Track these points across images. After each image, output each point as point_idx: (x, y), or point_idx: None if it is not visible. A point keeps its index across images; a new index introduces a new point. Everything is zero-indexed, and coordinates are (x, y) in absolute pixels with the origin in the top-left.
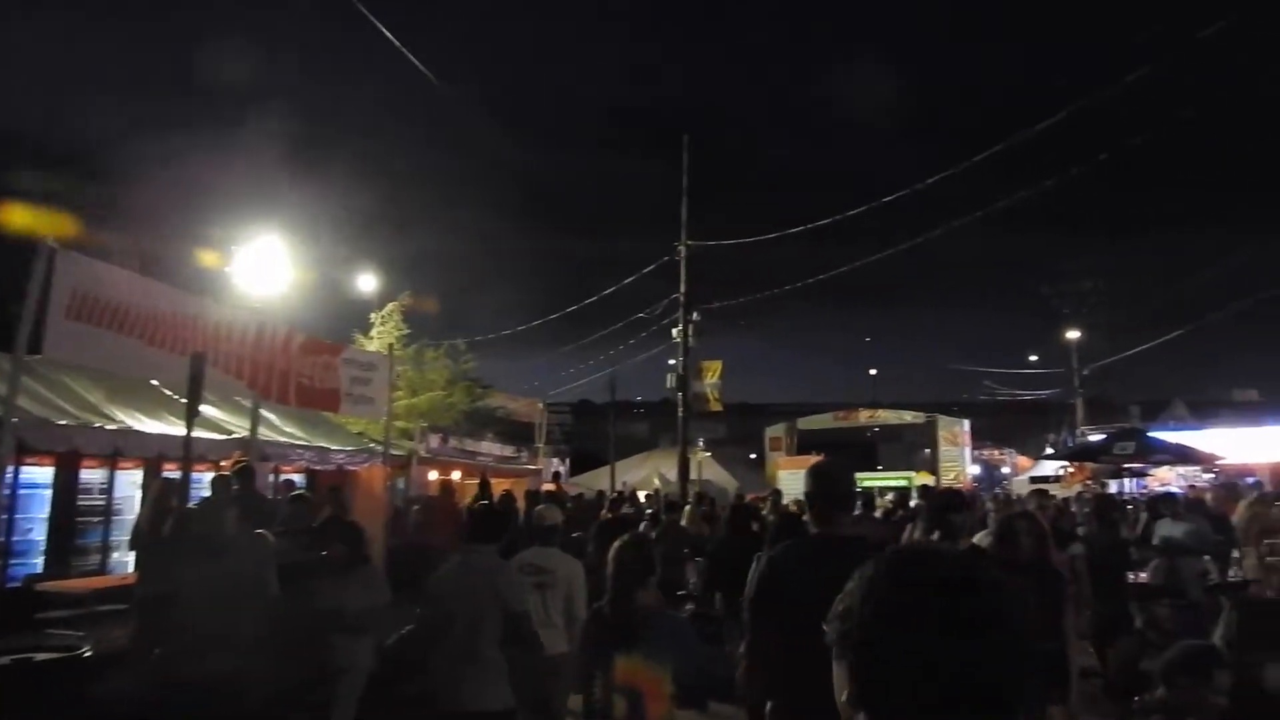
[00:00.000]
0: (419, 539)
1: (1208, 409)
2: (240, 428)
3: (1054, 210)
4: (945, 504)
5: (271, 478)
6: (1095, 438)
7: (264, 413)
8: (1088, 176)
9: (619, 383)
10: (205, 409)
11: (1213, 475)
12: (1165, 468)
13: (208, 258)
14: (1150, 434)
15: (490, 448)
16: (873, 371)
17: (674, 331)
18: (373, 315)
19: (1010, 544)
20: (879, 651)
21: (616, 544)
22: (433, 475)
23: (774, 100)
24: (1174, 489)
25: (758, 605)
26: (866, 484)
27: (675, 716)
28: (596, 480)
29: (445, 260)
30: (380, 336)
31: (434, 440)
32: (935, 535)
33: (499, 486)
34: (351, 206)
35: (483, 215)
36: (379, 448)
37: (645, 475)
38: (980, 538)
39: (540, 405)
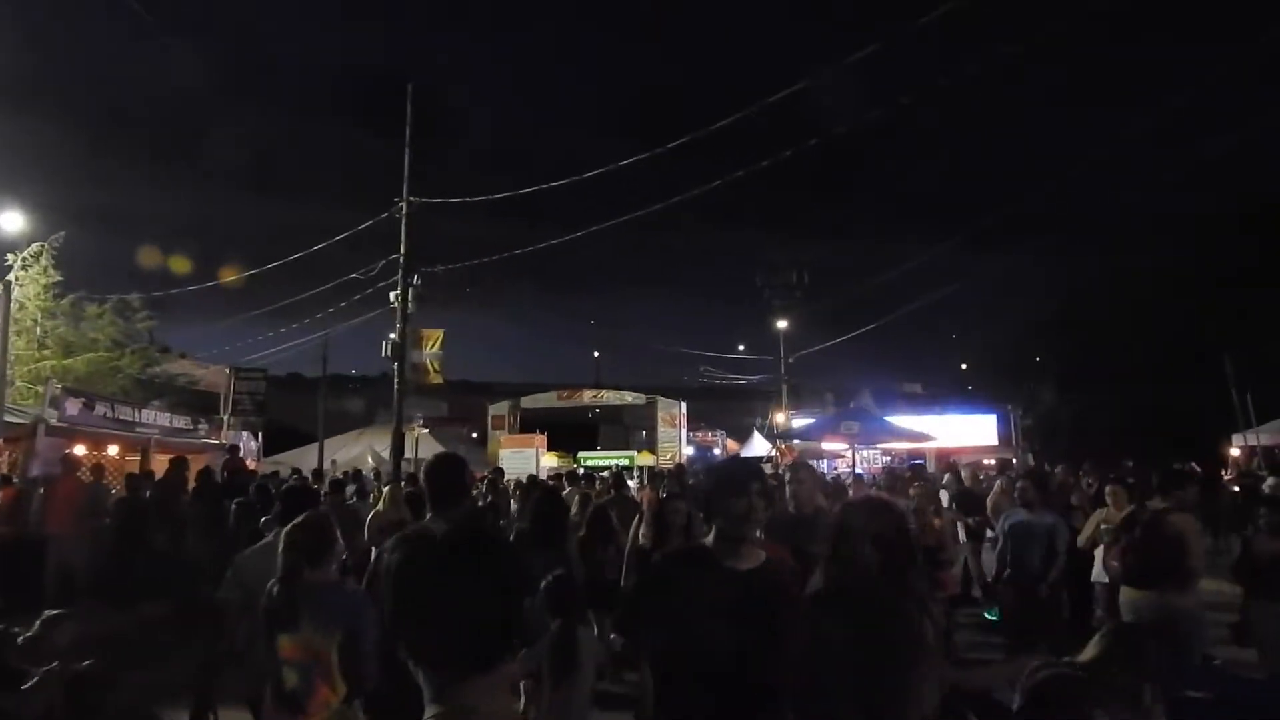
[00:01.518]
0: (36, 528)
1: (886, 398)
2: None
3: (767, 206)
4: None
5: None
6: (801, 423)
7: None
8: (794, 175)
9: (334, 356)
10: None
11: (889, 458)
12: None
13: None
14: (883, 416)
15: (156, 417)
16: (596, 354)
17: (392, 295)
18: (10, 256)
19: (847, 558)
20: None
21: (290, 525)
22: (81, 450)
23: (508, 77)
24: (860, 470)
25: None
26: (591, 463)
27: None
28: (301, 459)
29: (131, 212)
30: (22, 284)
31: (72, 406)
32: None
33: (168, 464)
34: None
35: (185, 169)
36: None
37: (359, 453)
38: None
39: (228, 370)
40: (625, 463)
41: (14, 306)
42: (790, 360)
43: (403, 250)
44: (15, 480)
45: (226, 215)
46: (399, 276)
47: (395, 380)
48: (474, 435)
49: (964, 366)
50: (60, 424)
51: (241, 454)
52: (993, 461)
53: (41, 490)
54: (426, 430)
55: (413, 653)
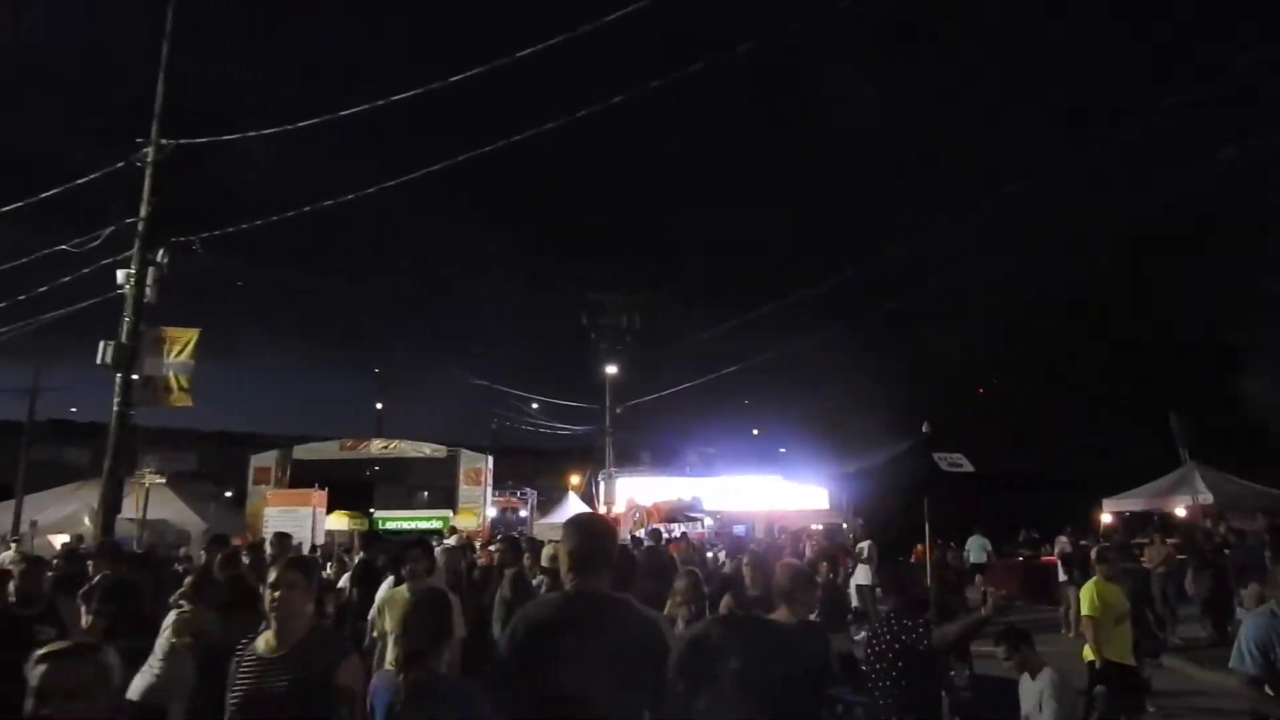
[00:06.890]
0: None
1: (709, 459)
2: None
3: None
4: None
5: None
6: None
7: None
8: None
9: (55, 399)
10: None
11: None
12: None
13: None
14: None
15: None
16: (379, 405)
17: (120, 274)
18: None
19: None
20: None
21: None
22: None
23: None
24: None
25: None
26: (393, 524)
27: None
28: None
29: None
30: None
31: None
32: None
33: None
34: None
35: None
36: None
37: (73, 511)
38: None
39: None
40: (438, 525)
41: None
42: (618, 410)
43: (144, 208)
44: None
45: None
46: (135, 249)
47: (115, 399)
48: (228, 495)
49: (755, 432)
50: None
51: None
52: (820, 527)
53: None
54: (162, 480)
55: None
